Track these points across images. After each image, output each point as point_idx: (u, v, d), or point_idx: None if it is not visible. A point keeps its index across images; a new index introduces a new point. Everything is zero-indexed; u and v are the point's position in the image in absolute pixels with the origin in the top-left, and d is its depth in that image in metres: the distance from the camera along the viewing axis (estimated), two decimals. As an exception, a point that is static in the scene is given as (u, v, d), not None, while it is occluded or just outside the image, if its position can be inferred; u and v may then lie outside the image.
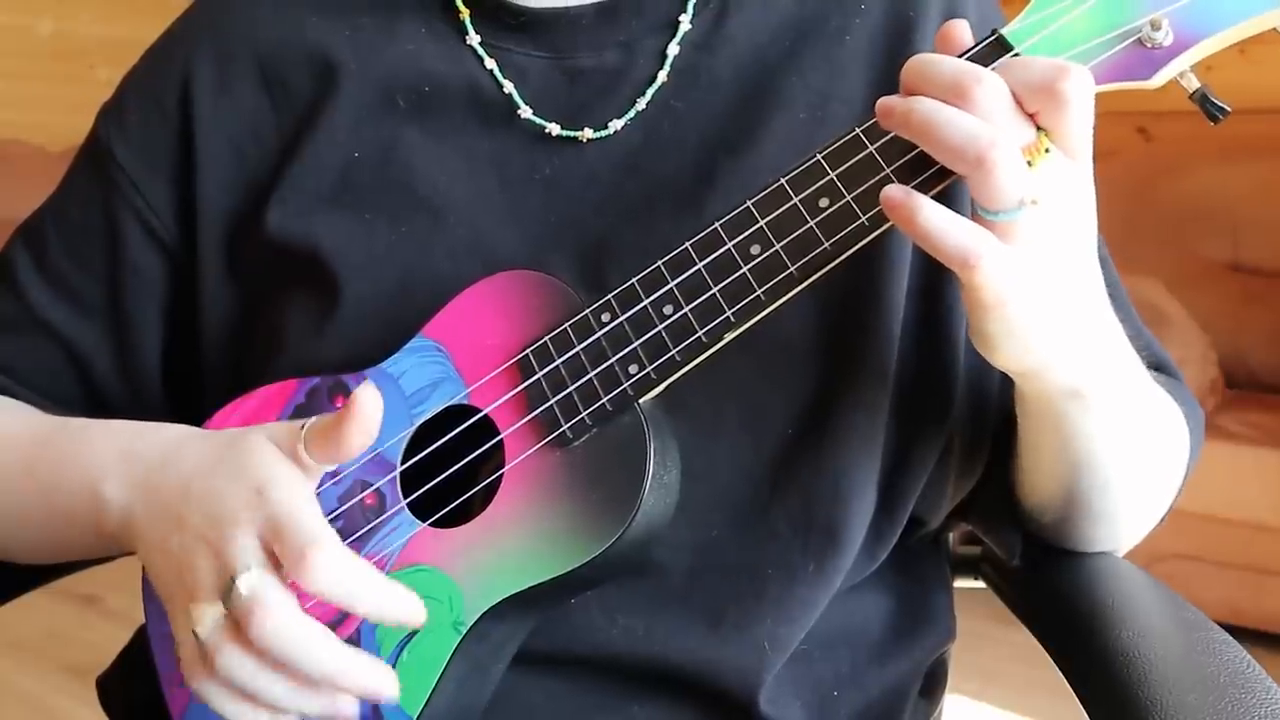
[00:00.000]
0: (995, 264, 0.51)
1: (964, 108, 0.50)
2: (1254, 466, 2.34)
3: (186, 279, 0.73)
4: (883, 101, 0.53)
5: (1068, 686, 0.64)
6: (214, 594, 0.54)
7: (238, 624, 0.52)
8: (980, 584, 0.85)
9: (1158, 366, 0.75)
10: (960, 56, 0.53)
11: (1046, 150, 0.51)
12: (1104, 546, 0.74)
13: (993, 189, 0.50)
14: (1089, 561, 0.73)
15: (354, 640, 0.58)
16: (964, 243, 0.50)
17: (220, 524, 0.55)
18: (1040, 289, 0.53)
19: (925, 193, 0.52)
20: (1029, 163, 0.50)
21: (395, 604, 0.53)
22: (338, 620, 0.57)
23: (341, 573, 0.52)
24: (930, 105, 0.51)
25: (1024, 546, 0.74)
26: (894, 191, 0.52)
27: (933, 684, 0.77)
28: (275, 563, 0.54)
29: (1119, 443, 0.64)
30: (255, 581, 0.52)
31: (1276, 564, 2.32)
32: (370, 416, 0.54)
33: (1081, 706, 0.62)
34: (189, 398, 0.75)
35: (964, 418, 0.69)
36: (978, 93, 0.50)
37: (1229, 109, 0.52)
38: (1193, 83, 0.53)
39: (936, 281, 0.67)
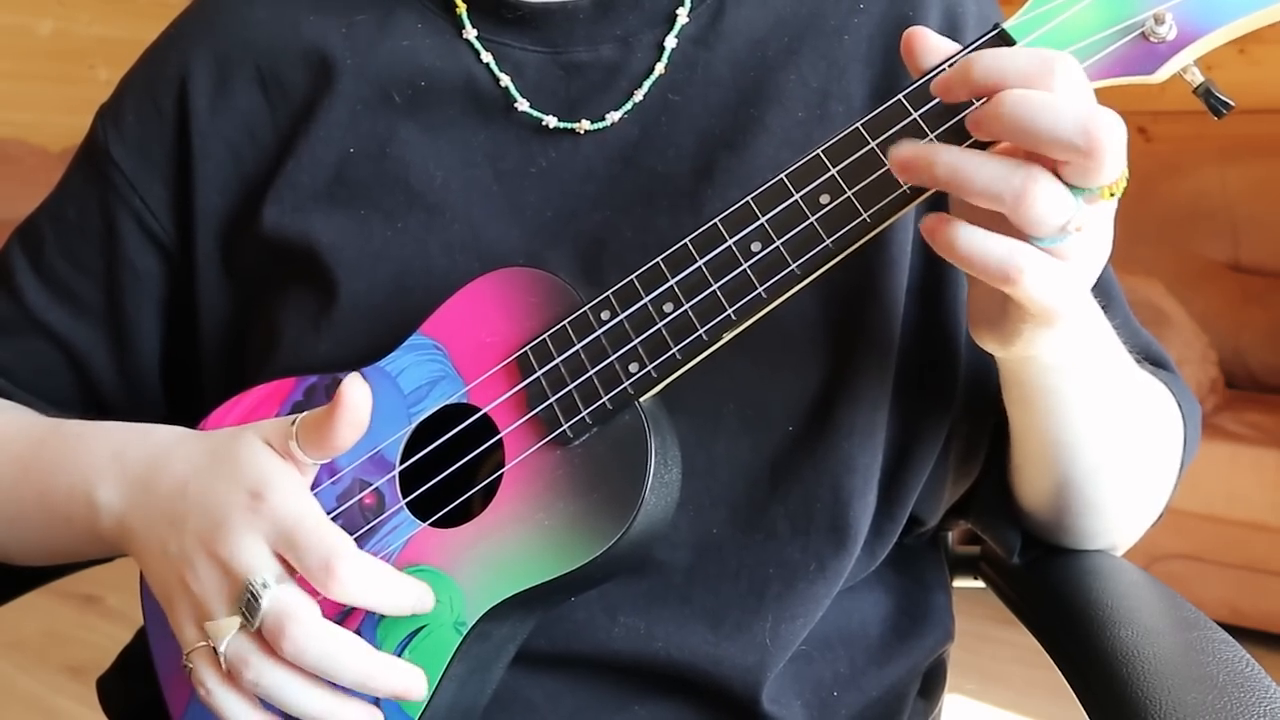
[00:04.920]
0: (1041, 280, 0.50)
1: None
2: (1253, 466, 2.34)
3: (184, 278, 0.73)
4: (903, 160, 0.51)
5: (1068, 686, 0.64)
6: (225, 605, 0.55)
7: (263, 637, 0.54)
8: (980, 584, 0.85)
9: (1154, 361, 0.74)
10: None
11: (1128, 179, 0.50)
12: (1101, 541, 0.74)
13: (1029, 226, 0.49)
14: (1088, 560, 0.73)
15: (356, 639, 0.58)
16: (1005, 260, 0.49)
17: (219, 529, 0.55)
18: (1081, 294, 0.52)
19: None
20: (1111, 193, 0.49)
21: (410, 597, 0.56)
22: (340, 618, 0.57)
23: (366, 579, 0.54)
24: (954, 158, 0.50)
25: (1023, 545, 0.74)
26: (931, 221, 0.51)
27: (932, 684, 0.77)
28: (287, 570, 0.55)
29: (1103, 417, 0.64)
30: (280, 595, 0.54)
31: (1276, 564, 2.32)
32: (358, 407, 0.55)
33: (1081, 706, 0.62)
34: (187, 397, 0.75)
35: (963, 415, 0.69)
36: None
37: (1233, 103, 0.52)
38: (1197, 77, 0.52)
39: (937, 278, 0.67)
